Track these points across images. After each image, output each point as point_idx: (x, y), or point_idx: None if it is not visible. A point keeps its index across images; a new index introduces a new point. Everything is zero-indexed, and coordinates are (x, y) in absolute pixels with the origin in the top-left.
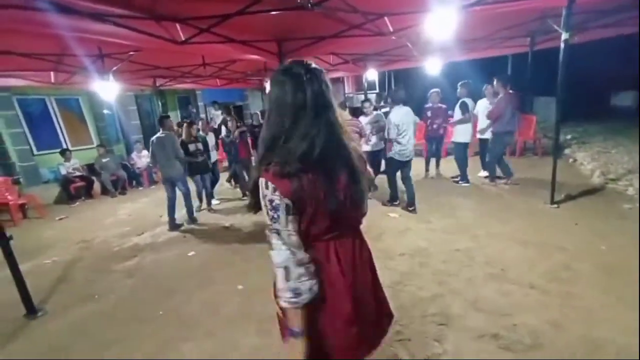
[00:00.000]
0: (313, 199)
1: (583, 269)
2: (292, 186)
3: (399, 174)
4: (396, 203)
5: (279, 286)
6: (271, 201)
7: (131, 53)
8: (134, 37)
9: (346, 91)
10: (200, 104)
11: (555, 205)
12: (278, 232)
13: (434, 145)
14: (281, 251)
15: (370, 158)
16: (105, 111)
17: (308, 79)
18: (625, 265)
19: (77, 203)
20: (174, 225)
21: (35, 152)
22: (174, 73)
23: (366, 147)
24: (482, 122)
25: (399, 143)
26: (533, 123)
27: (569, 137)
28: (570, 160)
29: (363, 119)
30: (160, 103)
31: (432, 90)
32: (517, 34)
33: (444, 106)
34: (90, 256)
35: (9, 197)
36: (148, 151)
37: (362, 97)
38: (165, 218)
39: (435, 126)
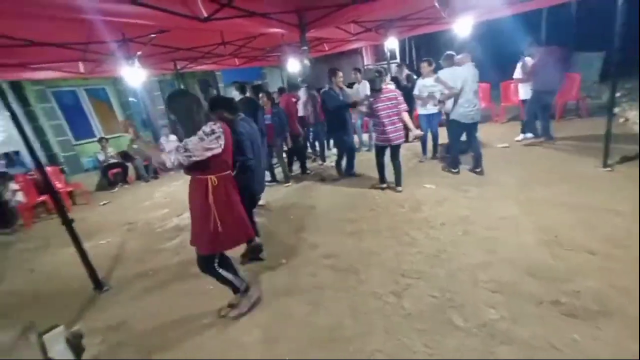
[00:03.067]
0: None
1: None
2: None
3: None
4: (455, 170)
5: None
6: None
7: (152, 35)
8: (157, 16)
9: (365, 63)
10: (221, 85)
11: (609, 168)
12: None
13: None
14: None
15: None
16: (130, 99)
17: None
18: None
19: (117, 189)
20: None
21: (74, 142)
22: (194, 54)
23: (424, 111)
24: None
25: (462, 104)
26: (577, 82)
27: (618, 94)
28: (621, 119)
29: (421, 82)
30: (182, 87)
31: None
32: None
33: None
34: (137, 237)
35: (59, 185)
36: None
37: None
38: None
39: None
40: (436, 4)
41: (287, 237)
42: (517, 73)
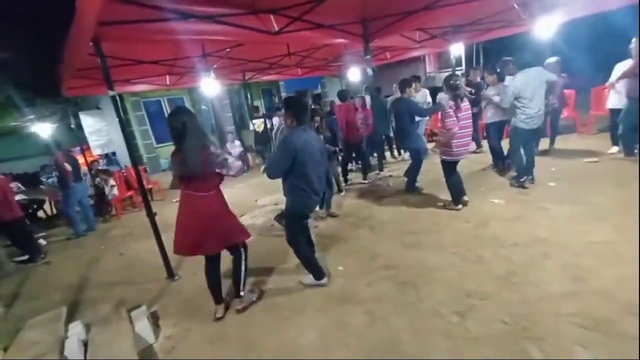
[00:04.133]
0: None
1: None
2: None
3: None
4: (522, 180)
5: None
6: None
7: (228, 50)
8: (235, 32)
9: (427, 70)
10: (283, 94)
11: None
12: None
13: (548, 119)
14: None
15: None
16: (203, 107)
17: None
18: None
19: None
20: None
21: (155, 145)
22: (261, 65)
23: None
24: (617, 89)
25: (523, 111)
26: None
27: None
28: None
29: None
30: (249, 95)
31: (549, 60)
32: None
33: (563, 75)
34: None
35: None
36: (240, 141)
37: (445, 75)
38: (262, 202)
39: (550, 99)
40: (515, 6)
41: (344, 245)
42: (615, 76)
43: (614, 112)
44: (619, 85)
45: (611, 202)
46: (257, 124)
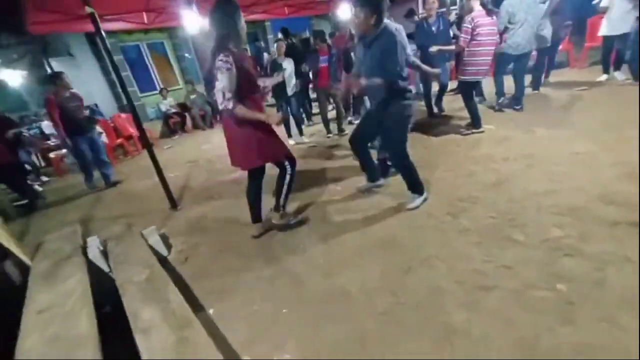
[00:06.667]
0: None
1: None
2: None
3: None
4: (501, 102)
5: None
6: None
7: None
8: None
9: (420, 10)
10: (270, 36)
11: None
12: None
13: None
14: None
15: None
16: (186, 54)
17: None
18: None
19: (177, 136)
20: None
21: (140, 95)
22: (245, 1)
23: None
24: (619, 12)
25: (511, 36)
26: None
27: None
28: None
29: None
30: None
31: None
32: None
33: None
34: (200, 171)
35: (132, 131)
36: None
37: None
38: None
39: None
40: None
41: (341, 163)
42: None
43: (607, 40)
44: (617, 11)
45: (595, 123)
46: None
